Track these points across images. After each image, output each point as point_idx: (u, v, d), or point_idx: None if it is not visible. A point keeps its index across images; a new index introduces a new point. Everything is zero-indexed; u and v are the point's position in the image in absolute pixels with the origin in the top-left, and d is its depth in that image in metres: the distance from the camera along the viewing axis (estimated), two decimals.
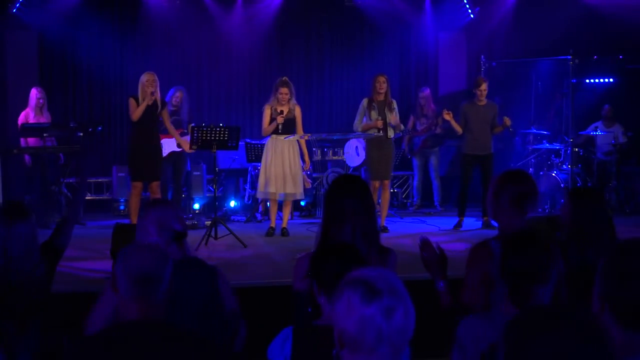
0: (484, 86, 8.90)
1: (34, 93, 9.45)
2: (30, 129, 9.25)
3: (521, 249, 2.57)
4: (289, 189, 8.34)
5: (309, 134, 9.01)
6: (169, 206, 3.31)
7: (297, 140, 8.50)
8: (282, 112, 8.24)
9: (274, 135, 8.32)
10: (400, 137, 10.28)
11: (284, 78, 8.45)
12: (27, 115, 9.41)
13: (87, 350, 2.32)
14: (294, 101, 8.38)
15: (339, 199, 3.26)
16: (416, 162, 10.66)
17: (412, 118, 10.56)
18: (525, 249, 2.56)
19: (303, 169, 8.63)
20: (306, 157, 8.65)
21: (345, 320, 1.79)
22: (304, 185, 9.95)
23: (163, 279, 2.40)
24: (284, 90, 8.26)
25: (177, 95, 9.46)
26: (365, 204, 3.27)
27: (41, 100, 9.46)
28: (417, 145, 10.52)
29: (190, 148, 8.37)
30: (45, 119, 9.50)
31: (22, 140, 9.31)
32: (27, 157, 9.28)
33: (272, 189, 8.30)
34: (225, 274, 3.34)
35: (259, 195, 8.75)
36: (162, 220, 3.10)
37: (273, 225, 8.40)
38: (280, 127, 8.24)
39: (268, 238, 8.26)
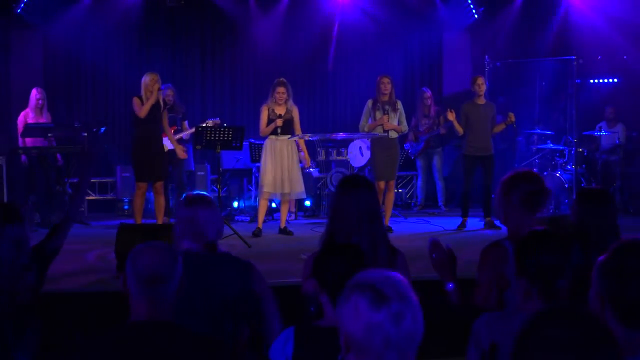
0: (479, 80, 8.94)
1: (33, 94, 9.46)
2: (33, 129, 9.27)
3: (546, 245, 2.56)
4: (286, 189, 8.34)
5: (308, 134, 9.01)
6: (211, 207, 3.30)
7: (296, 140, 8.50)
8: (280, 115, 8.23)
9: (272, 136, 8.31)
10: (401, 136, 10.28)
11: (281, 78, 8.43)
12: (27, 116, 9.42)
13: (95, 351, 2.32)
14: (291, 102, 8.35)
15: (343, 202, 3.26)
16: (420, 162, 10.71)
17: (414, 119, 10.57)
18: (549, 245, 2.56)
19: (304, 167, 8.65)
20: (306, 155, 8.64)
21: (352, 325, 1.76)
22: (311, 177, 9.96)
23: (172, 278, 2.39)
24: (282, 89, 8.25)
25: (168, 93, 9.39)
26: (370, 207, 3.25)
27: (40, 101, 9.45)
28: (420, 145, 10.53)
29: (194, 148, 8.37)
30: (45, 119, 9.50)
31: (20, 140, 9.32)
32: (23, 157, 9.29)
33: (268, 189, 8.30)
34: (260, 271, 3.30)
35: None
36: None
37: (260, 226, 8.37)
38: (279, 129, 8.25)
39: (270, 238, 8.24)
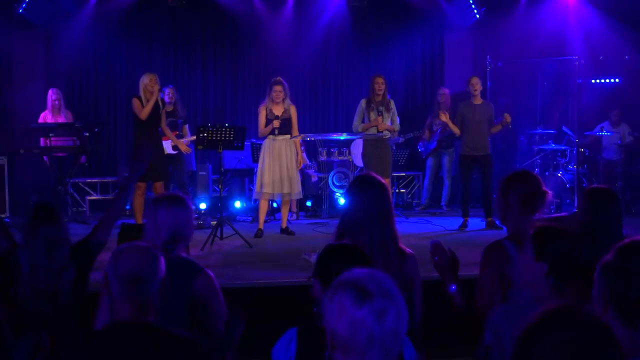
0: (473, 80, 8.99)
1: (49, 95, 9.58)
2: (35, 129, 9.29)
3: (568, 243, 2.55)
4: (286, 189, 8.34)
5: (305, 135, 9.01)
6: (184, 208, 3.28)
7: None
8: (277, 116, 8.23)
9: (270, 136, 8.31)
10: (412, 137, 10.30)
11: (277, 77, 8.44)
12: (46, 117, 9.51)
13: (76, 351, 2.33)
14: (288, 101, 8.36)
15: (354, 202, 3.25)
16: (430, 162, 10.70)
17: (429, 117, 10.59)
18: (569, 242, 2.55)
19: (304, 167, 8.65)
20: (299, 157, 8.62)
21: (336, 323, 1.78)
22: (311, 179, 9.97)
23: (153, 279, 2.39)
24: (278, 88, 8.25)
25: (170, 93, 9.39)
26: (381, 207, 3.23)
27: (57, 102, 9.57)
28: (432, 144, 10.54)
29: (196, 148, 8.37)
30: (63, 118, 9.60)
31: (42, 140, 9.33)
32: (45, 158, 9.33)
33: (267, 190, 8.29)
34: (214, 277, 3.23)
35: (256, 196, 8.70)
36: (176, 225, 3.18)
37: (261, 227, 8.37)
38: (276, 130, 8.25)
39: (272, 239, 8.25)
